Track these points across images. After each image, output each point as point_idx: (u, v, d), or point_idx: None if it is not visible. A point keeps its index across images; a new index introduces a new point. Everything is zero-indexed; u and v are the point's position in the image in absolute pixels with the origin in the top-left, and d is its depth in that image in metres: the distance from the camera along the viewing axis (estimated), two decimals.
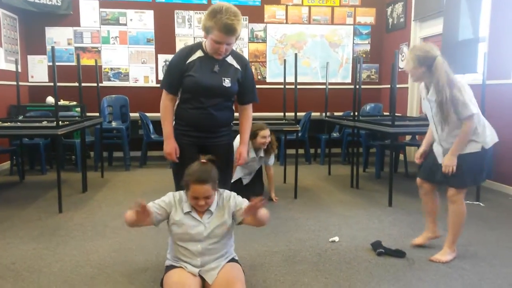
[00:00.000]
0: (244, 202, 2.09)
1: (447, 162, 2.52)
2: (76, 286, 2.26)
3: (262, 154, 3.91)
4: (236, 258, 2.16)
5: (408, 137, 5.82)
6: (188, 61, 2.23)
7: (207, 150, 2.23)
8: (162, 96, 2.33)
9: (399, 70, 6.37)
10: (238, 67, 2.31)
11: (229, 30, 2.09)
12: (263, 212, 1.99)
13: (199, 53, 2.25)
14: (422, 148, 2.84)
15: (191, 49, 2.26)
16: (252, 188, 3.90)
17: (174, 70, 2.26)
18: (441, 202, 2.87)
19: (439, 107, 2.49)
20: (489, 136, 2.56)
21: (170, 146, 2.31)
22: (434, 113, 2.60)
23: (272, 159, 4.08)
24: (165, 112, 2.31)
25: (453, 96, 2.44)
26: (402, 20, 6.48)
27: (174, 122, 2.36)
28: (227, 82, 2.25)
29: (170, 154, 2.31)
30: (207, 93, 2.24)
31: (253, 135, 3.65)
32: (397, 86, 4.39)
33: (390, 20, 6.85)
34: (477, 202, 3.95)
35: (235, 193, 2.15)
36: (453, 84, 2.47)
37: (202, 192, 1.99)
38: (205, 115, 2.26)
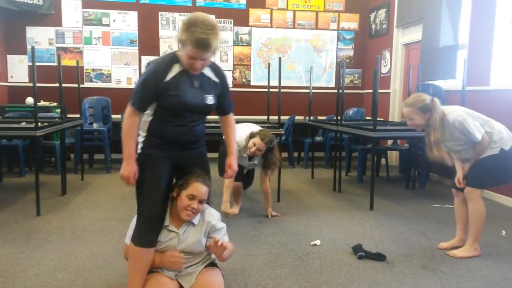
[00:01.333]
0: (221, 232, 2.08)
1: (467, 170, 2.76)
2: None
3: (256, 161, 3.50)
4: (216, 261, 2.14)
5: (390, 142, 5.89)
6: (166, 79, 1.98)
7: (181, 164, 2.09)
8: (128, 111, 2.01)
9: (381, 75, 6.46)
10: (216, 79, 2.13)
11: (203, 46, 1.89)
12: (225, 253, 2.02)
13: (176, 68, 2.02)
14: (460, 172, 2.87)
15: (167, 65, 2.02)
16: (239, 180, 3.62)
17: (150, 88, 1.99)
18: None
19: (448, 137, 2.72)
20: (507, 139, 2.72)
21: (130, 168, 1.99)
22: (446, 143, 2.80)
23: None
24: (131, 130, 2.00)
25: (458, 128, 2.67)
26: (385, 26, 6.57)
27: (142, 137, 2.10)
28: (209, 100, 2.07)
29: (128, 178, 2.00)
30: (191, 112, 2.07)
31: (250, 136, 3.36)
32: (379, 91, 4.44)
33: (373, 26, 6.94)
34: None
35: (219, 216, 2.13)
36: (454, 119, 2.68)
37: (201, 191, 1.98)
38: (186, 131, 2.08)
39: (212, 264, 2.11)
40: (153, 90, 1.98)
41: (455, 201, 2.96)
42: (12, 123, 4.27)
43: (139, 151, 2.07)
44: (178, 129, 2.05)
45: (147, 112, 2.06)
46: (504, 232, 3.29)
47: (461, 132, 2.67)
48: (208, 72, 2.10)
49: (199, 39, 1.88)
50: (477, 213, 2.75)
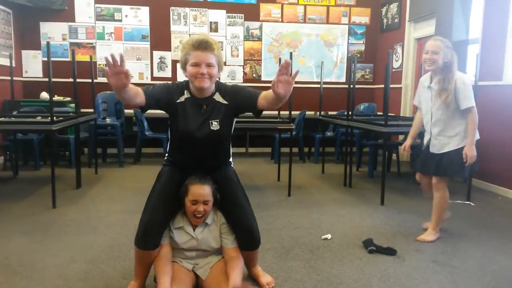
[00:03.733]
0: (229, 238, 2.10)
1: (470, 153, 2.74)
2: (70, 281, 2.27)
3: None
4: None
5: (401, 137, 5.87)
6: (178, 100, 2.03)
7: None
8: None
9: (393, 70, 6.42)
10: (224, 101, 2.07)
11: (203, 44, 1.92)
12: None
13: (186, 94, 2.05)
14: (409, 142, 3.13)
15: (180, 87, 2.06)
16: None
17: (164, 91, 2.04)
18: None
19: (443, 95, 2.75)
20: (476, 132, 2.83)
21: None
22: (434, 101, 2.85)
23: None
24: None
25: (458, 88, 2.73)
26: (396, 20, 6.53)
27: (166, 155, 2.21)
28: (215, 125, 2.03)
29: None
30: (196, 143, 2.04)
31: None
32: (391, 86, 4.43)
33: (385, 21, 6.90)
34: (468, 202, 4.01)
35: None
36: (460, 78, 2.76)
37: (202, 193, 1.97)
38: (199, 159, 2.09)
39: None
40: (165, 95, 2.02)
41: (422, 184, 3.12)
42: (27, 118, 4.36)
43: (163, 162, 2.21)
44: (191, 156, 2.09)
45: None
46: None
47: (458, 95, 2.72)
48: (218, 97, 2.08)
49: (198, 40, 1.93)
50: (444, 202, 2.92)
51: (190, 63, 1.94)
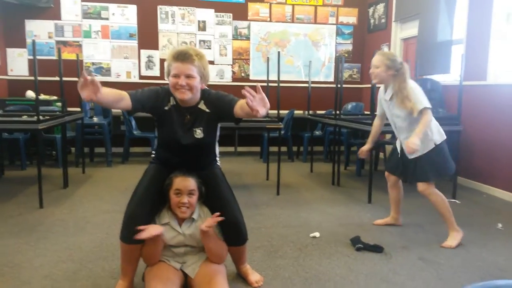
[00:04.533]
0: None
1: (410, 144, 2.70)
2: (58, 281, 2.26)
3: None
4: None
5: (388, 136, 5.94)
6: (165, 107, 2.07)
7: None
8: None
9: None
10: (208, 110, 2.09)
11: (182, 55, 1.93)
12: (212, 245, 2.03)
13: (172, 102, 2.08)
14: (367, 146, 3.32)
15: (166, 94, 2.08)
16: None
17: (152, 97, 2.06)
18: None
19: (407, 104, 2.78)
20: (436, 134, 2.86)
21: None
22: (393, 110, 2.94)
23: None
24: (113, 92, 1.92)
25: (408, 95, 2.79)
26: (383, 21, 6.60)
27: (153, 154, 2.23)
28: (198, 133, 2.06)
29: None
30: (182, 148, 2.07)
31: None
32: (378, 86, 4.48)
33: (372, 21, 6.96)
34: (453, 200, 4.07)
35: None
36: (409, 86, 2.81)
37: (185, 184, 1.99)
38: (186, 162, 2.11)
39: None
40: (152, 102, 2.05)
41: (388, 184, 3.23)
42: (13, 117, 4.30)
43: (150, 160, 2.23)
44: (177, 157, 2.11)
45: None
46: (500, 225, 3.34)
47: (409, 97, 2.75)
48: (201, 105, 2.10)
49: (178, 51, 1.96)
50: (441, 205, 2.92)
51: (171, 74, 1.97)
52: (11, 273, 2.34)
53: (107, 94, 1.82)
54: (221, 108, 2.08)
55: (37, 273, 2.35)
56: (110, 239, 2.88)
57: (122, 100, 1.94)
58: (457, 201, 4.04)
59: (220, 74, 6.85)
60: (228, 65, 6.88)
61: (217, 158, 2.28)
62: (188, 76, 1.95)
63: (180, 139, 2.05)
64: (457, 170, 4.18)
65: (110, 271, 2.40)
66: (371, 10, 6.99)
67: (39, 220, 3.26)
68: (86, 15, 6.44)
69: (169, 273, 2.01)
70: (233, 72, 6.90)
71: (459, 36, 4.89)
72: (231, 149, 6.85)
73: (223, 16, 6.78)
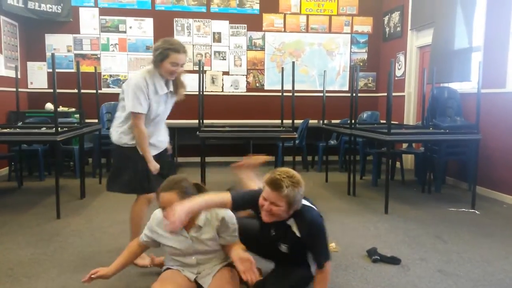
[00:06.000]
0: (229, 231, 2.07)
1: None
2: None
3: None
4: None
5: (405, 145, 5.87)
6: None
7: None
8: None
9: (396, 78, 6.44)
10: (299, 235, 2.10)
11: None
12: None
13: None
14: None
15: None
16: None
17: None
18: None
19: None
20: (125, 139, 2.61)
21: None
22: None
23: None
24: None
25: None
26: (398, 29, 6.56)
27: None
28: (283, 248, 2.14)
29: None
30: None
31: None
32: (394, 94, 4.44)
33: (387, 29, 6.93)
34: (473, 210, 3.98)
35: (232, 216, 2.09)
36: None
37: (165, 199, 1.96)
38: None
39: (230, 265, 2.14)
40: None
41: None
42: (32, 129, 4.40)
43: None
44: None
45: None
46: None
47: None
48: (291, 223, 2.09)
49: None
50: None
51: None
52: (29, 284, 2.36)
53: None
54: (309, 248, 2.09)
55: (54, 283, 2.37)
56: None
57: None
58: (476, 212, 3.95)
59: (235, 84, 6.88)
60: (243, 75, 6.92)
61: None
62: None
63: (262, 249, 2.20)
64: (476, 179, 4.11)
65: (126, 282, 2.40)
66: (386, 19, 6.96)
67: (56, 230, 3.30)
68: (104, 28, 6.58)
69: (182, 280, 2.01)
70: (248, 83, 6.93)
71: (477, 43, 4.82)
72: None
73: (237, 27, 6.84)
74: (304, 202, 2.12)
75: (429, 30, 5.80)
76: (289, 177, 1.96)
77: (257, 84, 6.96)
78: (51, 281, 2.40)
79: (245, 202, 2.06)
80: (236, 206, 2.01)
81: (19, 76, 5.27)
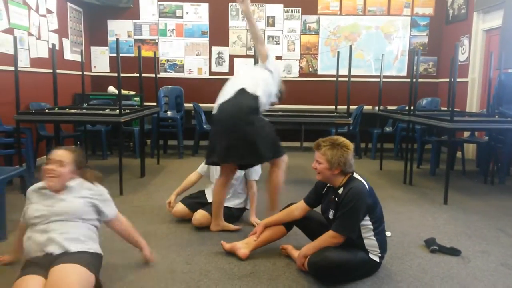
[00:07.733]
0: (106, 204, 2.32)
1: None
2: (134, 266, 2.42)
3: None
4: (91, 250, 2.09)
5: (466, 134, 5.59)
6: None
7: None
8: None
9: (459, 63, 6.10)
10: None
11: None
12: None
13: None
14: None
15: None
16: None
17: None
18: None
19: None
20: None
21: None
22: None
23: (255, 172, 3.13)
24: None
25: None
26: (463, 11, 6.18)
27: None
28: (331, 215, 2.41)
29: None
30: None
31: None
32: (457, 80, 4.22)
33: (451, 11, 6.55)
34: None
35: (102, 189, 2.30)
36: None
37: (57, 153, 2.13)
38: None
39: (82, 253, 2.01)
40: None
41: None
42: (97, 110, 4.64)
43: None
44: None
45: None
46: None
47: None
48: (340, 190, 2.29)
49: None
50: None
51: None
52: None
53: None
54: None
55: (117, 257, 2.53)
56: (185, 227, 3.02)
57: None
58: None
59: (287, 69, 6.85)
60: (296, 60, 6.86)
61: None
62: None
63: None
64: None
65: (184, 256, 2.52)
66: (449, 0, 6.58)
67: (119, 206, 3.41)
68: (162, 14, 6.76)
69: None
70: (301, 67, 6.87)
71: None
72: (297, 144, 6.84)
73: (292, 11, 6.76)
74: (357, 177, 2.27)
75: (497, 12, 5.42)
76: (330, 140, 2.28)
77: (310, 69, 6.87)
78: (116, 255, 2.55)
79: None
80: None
81: (83, 60, 5.57)
